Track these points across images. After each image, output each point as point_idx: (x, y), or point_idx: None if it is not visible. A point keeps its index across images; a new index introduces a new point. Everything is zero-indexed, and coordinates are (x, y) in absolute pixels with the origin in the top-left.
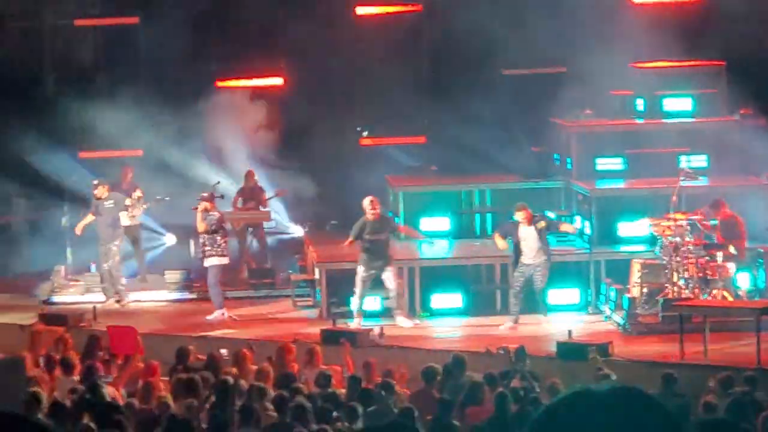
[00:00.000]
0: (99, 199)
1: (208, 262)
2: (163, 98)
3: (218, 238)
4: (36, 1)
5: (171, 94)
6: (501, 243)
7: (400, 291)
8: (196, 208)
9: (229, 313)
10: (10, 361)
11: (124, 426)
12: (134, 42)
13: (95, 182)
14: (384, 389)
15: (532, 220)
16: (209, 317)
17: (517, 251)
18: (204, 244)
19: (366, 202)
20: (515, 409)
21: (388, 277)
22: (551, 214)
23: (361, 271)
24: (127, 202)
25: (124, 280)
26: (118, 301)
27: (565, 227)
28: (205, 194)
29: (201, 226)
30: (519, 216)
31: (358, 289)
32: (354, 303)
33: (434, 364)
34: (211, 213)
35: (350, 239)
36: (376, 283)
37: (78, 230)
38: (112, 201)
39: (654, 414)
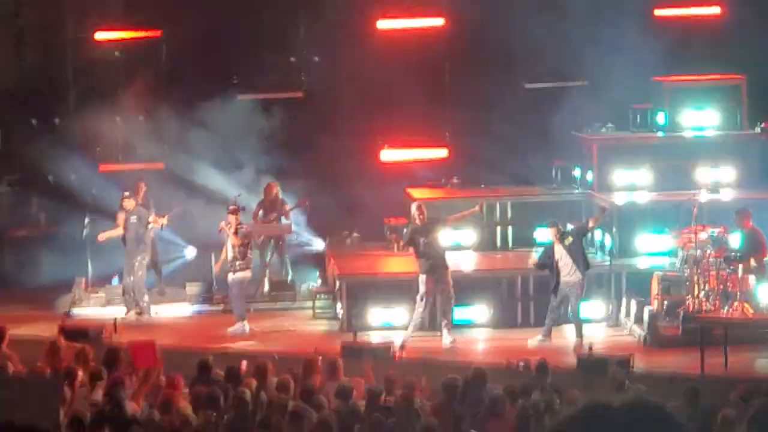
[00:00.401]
0: (127, 211)
1: (238, 276)
2: (184, 111)
3: (248, 251)
4: (58, 14)
5: (192, 107)
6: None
7: (450, 303)
8: (222, 228)
9: (250, 325)
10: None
11: None
12: (156, 55)
13: (126, 194)
14: (404, 402)
15: (559, 237)
16: (231, 329)
17: (556, 270)
18: (235, 258)
19: (414, 207)
20: (536, 424)
21: (448, 285)
22: (571, 226)
23: (423, 281)
24: (150, 218)
25: (147, 297)
26: (138, 314)
27: (593, 221)
28: (232, 207)
29: (234, 240)
30: (550, 234)
31: (418, 310)
32: (408, 330)
33: (455, 376)
34: (241, 225)
35: (403, 243)
36: (396, 295)
37: (101, 237)
38: (136, 216)
39: (669, 429)
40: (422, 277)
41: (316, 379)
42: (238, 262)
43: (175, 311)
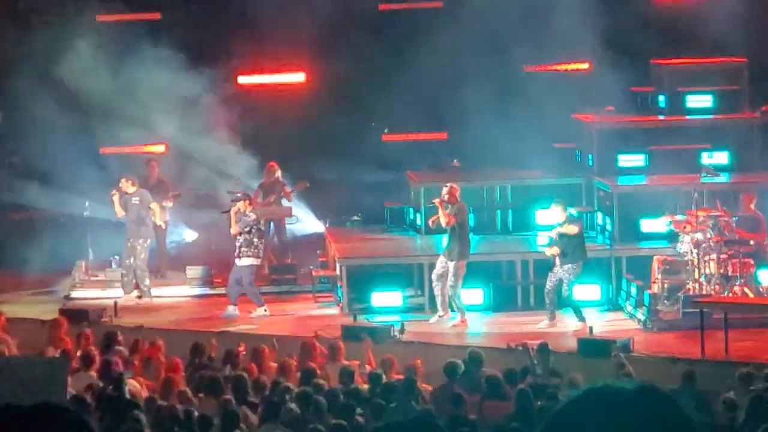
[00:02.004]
0: (126, 193)
1: (243, 262)
2: (185, 93)
3: (255, 239)
4: None
5: (193, 90)
6: (549, 251)
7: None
8: (227, 212)
9: (250, 308)
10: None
11: (141, 422)
12: (158, 37)
13: (120, 177)
14: (406, 385)
15: (565, 220)
16: (253, 314)
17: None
18: (241, 245)
19: (446, 190)
20: (533, 406)
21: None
22: (573, 211)
23: (463, 267)
24: (152, 206)
25: (148, 281)
26: (139, 297)
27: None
28: (239, 194)
29: (234, 229)
30: (556, 211)
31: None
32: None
33: (455, 360)
34: (246, 214)
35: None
36: (396, 278)
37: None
38: (138, 198)
39: (673, 418)
40: (462, 263)
41: (316, 362)
42: (243, 249)
43: (175, 293)
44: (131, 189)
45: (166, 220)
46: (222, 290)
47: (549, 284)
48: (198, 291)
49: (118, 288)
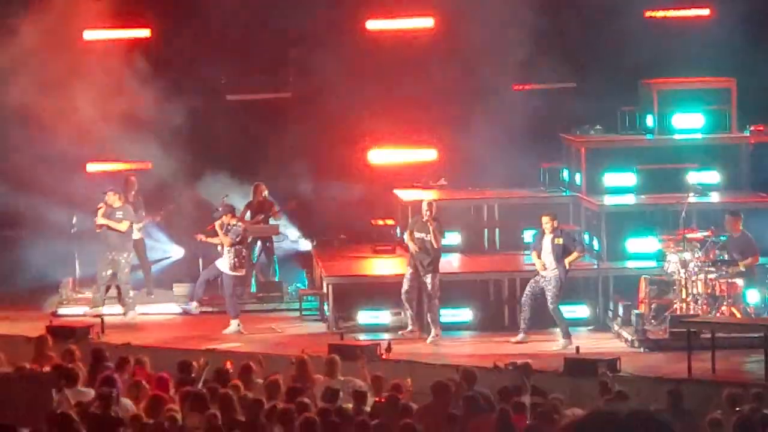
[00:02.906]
0: (111, 207)
1: (234, 272)
2: (172, 110)
3: (244, 249)
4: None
5: (181, 107)
6: (538, 261)
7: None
8: (213, 227)
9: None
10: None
11: None
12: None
13: (107, 190)
14: (389, 403)
15: (554, 232)
16: (227, 330)
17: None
18: (233, 255)
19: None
20: (524, 424)
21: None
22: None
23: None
24: (136, 224)
25: (132, 293)
26: (123, 314)
27: (571, 258)
28: (222, 208)
29: (226, 241)
30: (542, 222)
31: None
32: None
33: (445, 380)
34: (234, 225)
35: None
36: (383, 296)
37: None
38: (122, 213)
39: None
40: (438, 277)
41: (310, 379)
42: (235, 259)
43: (162, 311)
44: (117, 203)
45: (140, 236)
46: (209, 308)
47: (525, 294)
48: (185, 308)
49: (107, 304)
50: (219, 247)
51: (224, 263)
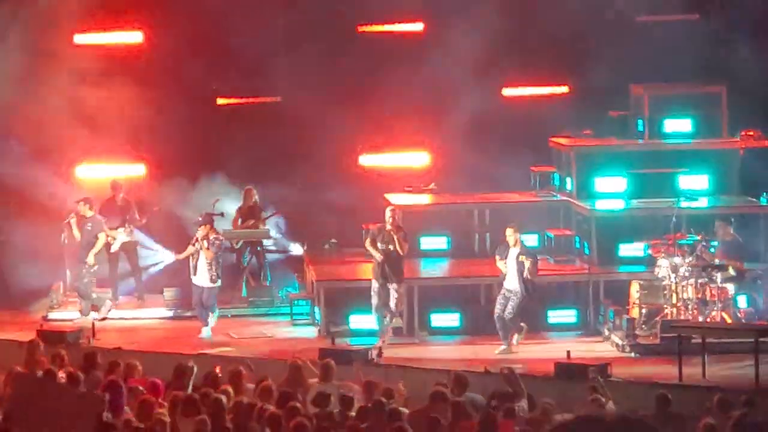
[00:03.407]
0: (83, 217)
1: (216, 284)
2: (164, 115)
3: (221, 260)
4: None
5: (172, 111)
6: (503, 266)
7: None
8: (197, 239)
9: (229, 330)
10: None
11: None
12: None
13: (79, 200)
14: (376, 408)
15: (518, 244)
16: (204, 336)
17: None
18: (213, 268)
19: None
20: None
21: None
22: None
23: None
24: (100, 235)
25: (95, 295)
26: (96, 311)
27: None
28: (201, 218)
29: (209, 255)
30: (506, 234)
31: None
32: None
33: (443, 389)
34: (214, 238)
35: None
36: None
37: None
38: (90, 224)
39: None
40: (403, 286)
41: (303, 384)
42: (217, 272)
43: (153, 315)
44: (88, 213)
45: (132, 240)
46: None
47: (497, 309)
48: (176, 313)
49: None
50: (192, 260)
51: (204, 278)
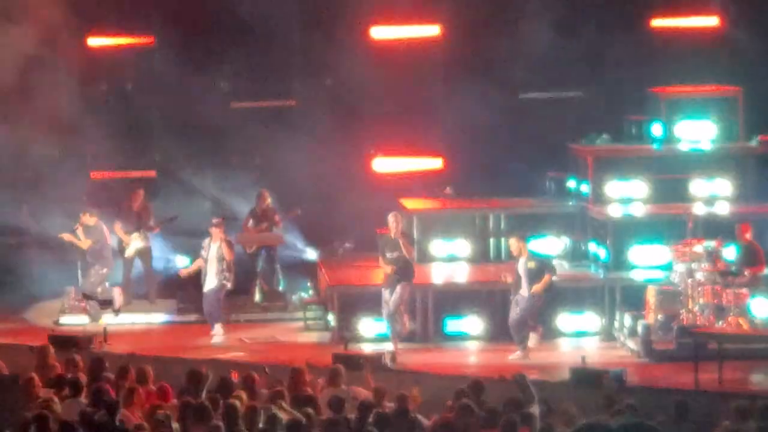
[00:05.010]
0: (88, 226)
1: (224, 288)
2: (177, 119)
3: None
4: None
5: (185, 115)
6: (509, 278)
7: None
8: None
9: (242, 335)
10: (14, 379)
11: None
12: (149, 62)
13: (84, 212)
14: (399, 414)
15: (524, 253)
16: (216, 341)
17: (517, 281)
18: (225, 270)
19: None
20: None
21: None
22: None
23: None
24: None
25: (99, 289)
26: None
27: (541, 285)
28: (215, 220)
29: (228, 255)
30: (510, 245)
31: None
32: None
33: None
34: (228, 239)
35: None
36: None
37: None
38: (93, 231)
39: None
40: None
41: (305, 389)
42: (226, 274)
43: (164, 320)
44: (92, 222)
45: (146, 245)
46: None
47: (513, 315)
48: (187, 317)
49: (107, 314)
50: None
51: (213, 282)
